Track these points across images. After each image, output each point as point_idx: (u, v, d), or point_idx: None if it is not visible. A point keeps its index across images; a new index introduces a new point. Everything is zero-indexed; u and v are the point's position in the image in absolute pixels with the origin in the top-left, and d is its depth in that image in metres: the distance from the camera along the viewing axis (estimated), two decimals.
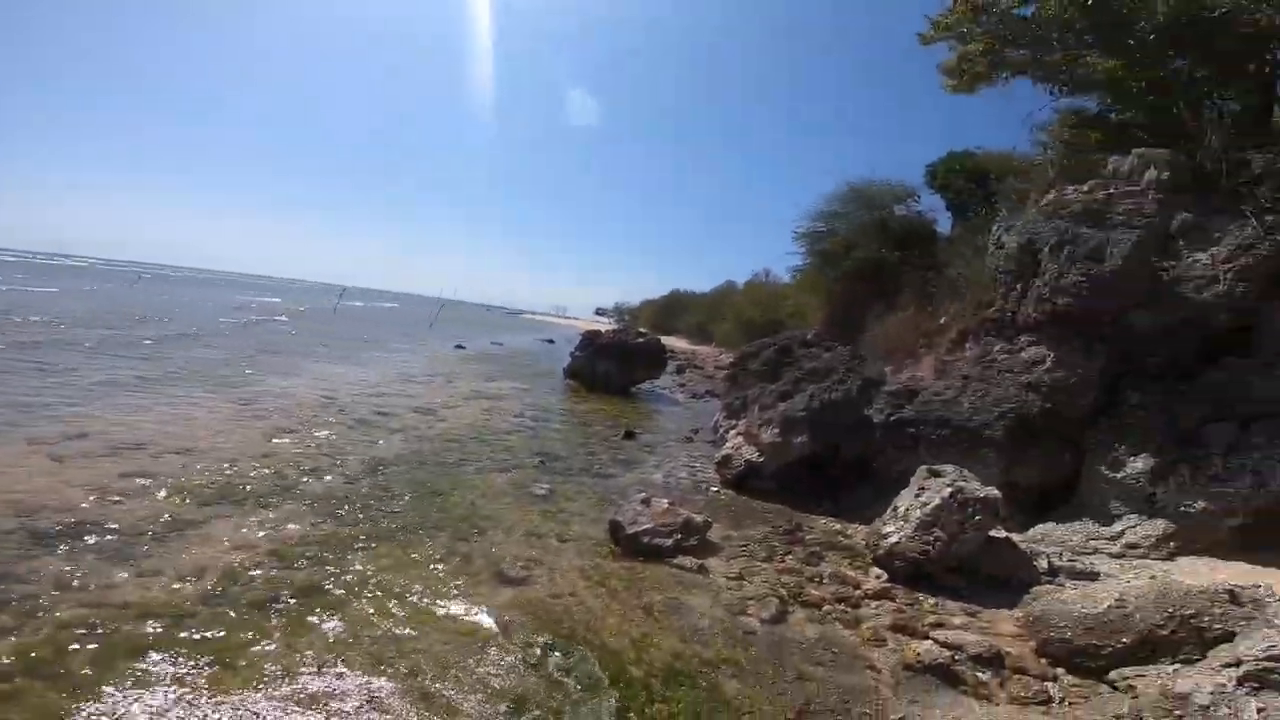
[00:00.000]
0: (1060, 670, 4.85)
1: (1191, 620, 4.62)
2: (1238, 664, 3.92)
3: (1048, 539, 7.79)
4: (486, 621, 5.00)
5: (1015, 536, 7.41)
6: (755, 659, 4.85)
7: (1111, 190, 9.09)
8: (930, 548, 6.40)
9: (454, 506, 7.52)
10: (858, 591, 6.27)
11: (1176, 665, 4.49)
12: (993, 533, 6.80)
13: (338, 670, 4.12)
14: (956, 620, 5.74)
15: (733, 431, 10.56)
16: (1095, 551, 7.50)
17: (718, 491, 9.57)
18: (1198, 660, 4.44)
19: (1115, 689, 4.53)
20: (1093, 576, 6.65)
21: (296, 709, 3.69)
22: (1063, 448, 8.47)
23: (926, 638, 5.24)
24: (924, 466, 7.14)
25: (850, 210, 20.66)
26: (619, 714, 4.02)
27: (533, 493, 8.46)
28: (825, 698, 4.38)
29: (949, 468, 7.01)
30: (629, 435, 12.70)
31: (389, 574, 5.62)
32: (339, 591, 5.18)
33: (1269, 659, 3.76)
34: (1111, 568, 7.02)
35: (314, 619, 4.72)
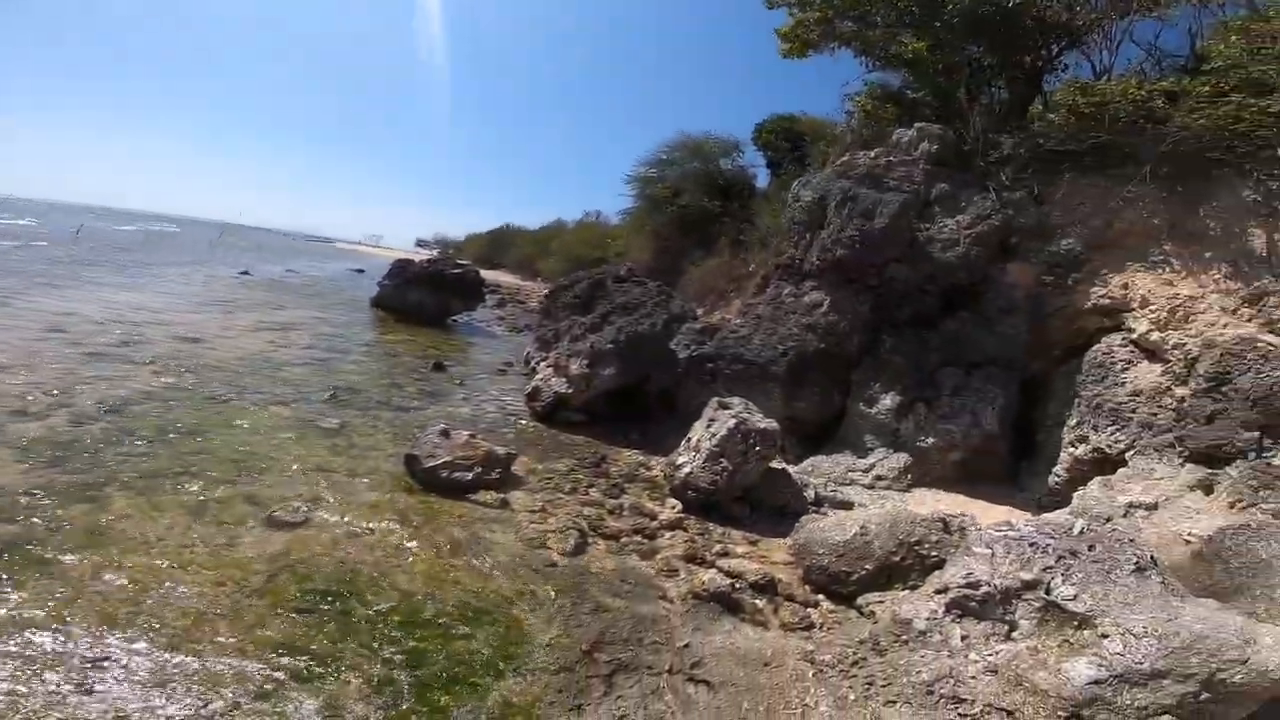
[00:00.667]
0: (821, 597, 5.53)
1: (916, 548, 5.49)
2: (945, 590, 4.35)
3: (816, 470, 8.82)
4: (252, 570, 4.48)
5: (791, 469, 8.28)
6: (555, 592, 4.92)
7: (891, 158, 10.21)
8: (719, 478, 6.92)
9: (218, 448, 6.59)
10: (654, 523, 6.62)
11: (906, 590, 5.26)
12: (773, 464, 7.54)
13: (39, 632, 3.44)
14: (740, 549, 6.33)
15: (543, 364, 10.49)
16: (852, 483, 8.65)
17: (526, 424, 9.51)
18: (919, 587, 5.17)
19: (862, 614, 5.22)
20: (848, 506, 7.69)
21: None
22: (834, 386, 9.60)
23: (713, 567, 5.72)
24: (715, 399, 7.64)
25: (681, 159, 21.39)
26: (413, 656, 3.86)
27: (320, 426, 7.70)
28: (619, 628, 4.55)
29: (736, 400, 7.57)
30: (438, 367, 12.08)
31: (125, 524, 4.79)
32: (50, 552, 4.29)
33: (968, 586, 4.26)
34: (864, 498, 8.16)
35: (17, 578, 3.89)
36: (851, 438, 9.32)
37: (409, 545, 5.26)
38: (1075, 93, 9.58)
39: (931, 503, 7.93)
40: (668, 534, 6.46)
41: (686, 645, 4.34)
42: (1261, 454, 6.33)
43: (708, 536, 6.53)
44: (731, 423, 6.99)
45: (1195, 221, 7.52)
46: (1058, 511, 7.07)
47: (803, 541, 6.03)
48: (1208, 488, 6.53)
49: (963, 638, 4.21)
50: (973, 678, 3.92)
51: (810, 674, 4.06)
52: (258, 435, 7.10)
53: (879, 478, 8.70)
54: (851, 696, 3.94)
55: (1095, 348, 7.97)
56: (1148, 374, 7.48)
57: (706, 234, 19.19)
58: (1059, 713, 3.62)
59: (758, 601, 5.22)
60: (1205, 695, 3.50)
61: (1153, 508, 6.59)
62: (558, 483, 7.31)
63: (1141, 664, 3.61)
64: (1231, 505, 6.21)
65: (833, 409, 9.61)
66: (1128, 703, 3.55)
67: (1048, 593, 4.22)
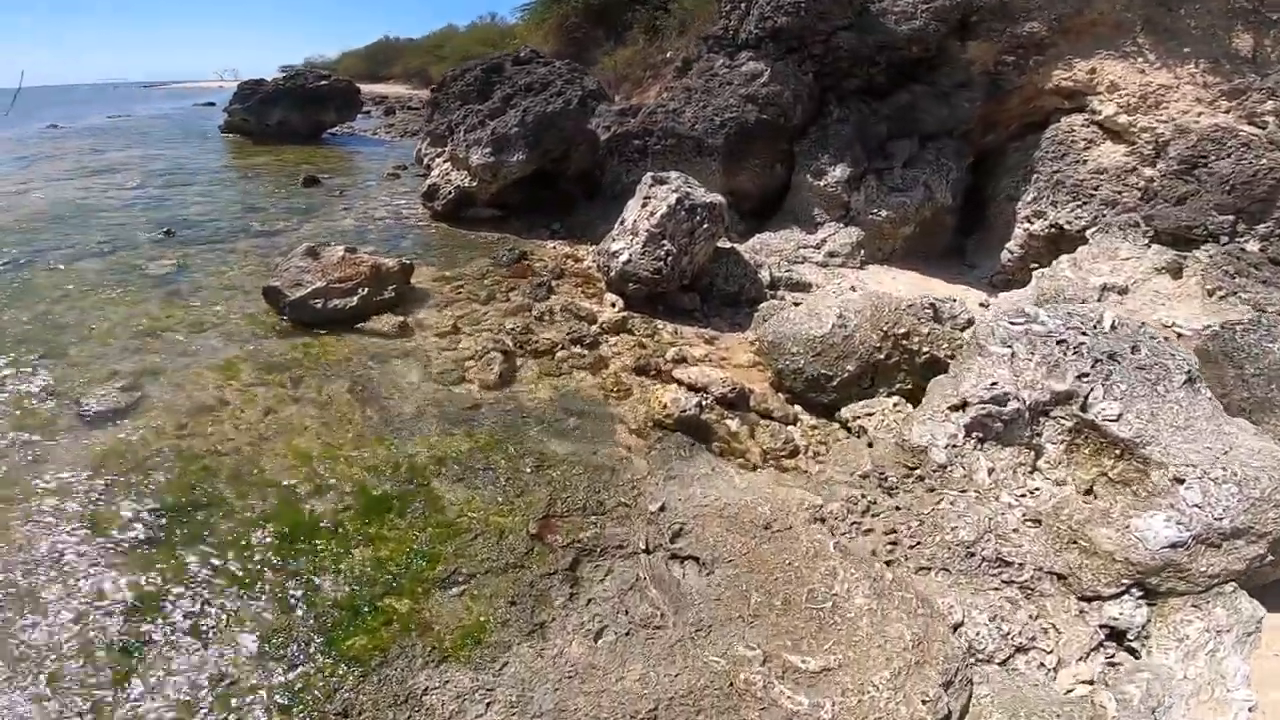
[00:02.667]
0: (799, 409, 4.67)
1: (904, 341, 4.55)
2: (964, 406, 3.54)
3: (766, 248, 7.85)
4: (67, 493, 3.22)
5: (739, 247, 7.22)
6: (483, 448, 3.80)
7: None
8: (663, 263, 5.79)
9: (8, 324, 4.93)
10: (594, 327, 5.58)
11: (895, 398, 4.39)
12: (720, 244, 6.40)
13: None
14: (697, 351, 5.42)
15: (439, 159, 8.65)
16: (804, 260, 7.75)
17: (428, 226, 8.02)
18: (905, 393, 4.33)
19: (849, 430, 4.34)
20: (805, 288, 6.81)
21: None
22: (776, 158, 8.51)
23: (672, 380, 4.76)
24: (649, 175, 6.29)
25: None
26: (307, 587, 2.79)
27: (148, 274, 6.01)
28: (573, 491, 3.45)
29: (674, 175, 6.27)
30: (310, 181, 10.04)
31: None
32: None
33: (992, 401, 3.41)
34: (819, 277, 7.31)
35: None
36: (799, 211, 8.37)
37: (283, 413, 4.02)
38: None
39: (889, 282, 7.24)
40: (611, 339, 5.46)
41: (662, 508, 3.34)
42: (1235, 238, 6.28)
43: (657, 338, 5.58)
44: (672, 198, 5.70)
45: (1175, 20, 7.07)
46: (1020, 291, 6.58)
47: (771, 338, 5.10)
48: (1176, 271, 6.11)
49: (989, 471, 3.31)
50: (1015, 531, 3.07)
51: (831, 546, 3.06)
52: (60, 303, 5.39)
53: (831, 254, 7.88)
54: (889, 576, 2.92)
55: (1056, 125, 7.60)
56: (1112, 154, 7.18)
57: (618, 23, 16.62)
58: (1122, 579, 2.86)
59: (730, 423, 4.33)
60: (1270, 559, 2.82)
61: (1124, 291, 6.04)
62: (471, 290, 6.08)
63: (1221, 521, 2.82)
64: (1210, 293, 5.82)
65: (776, 182, 8.66)
66: (1201, 569, 2.80)
67: (1084, 409, 3.25)
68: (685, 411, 4.12)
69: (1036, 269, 6.84)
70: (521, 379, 4.70)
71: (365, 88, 22.64)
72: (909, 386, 4.46)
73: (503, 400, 4.39)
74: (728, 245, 6.82)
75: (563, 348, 5.18)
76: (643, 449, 3.95)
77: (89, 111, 25.99)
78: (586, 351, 5.20)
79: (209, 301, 5.51)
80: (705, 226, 5.79)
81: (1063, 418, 3.32)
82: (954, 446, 3.44)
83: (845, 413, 4.46)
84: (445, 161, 8.36)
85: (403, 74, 52.86)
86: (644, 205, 5.94)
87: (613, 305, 5.98)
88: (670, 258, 5.70)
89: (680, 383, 4.66)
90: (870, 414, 4.30)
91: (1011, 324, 3.72)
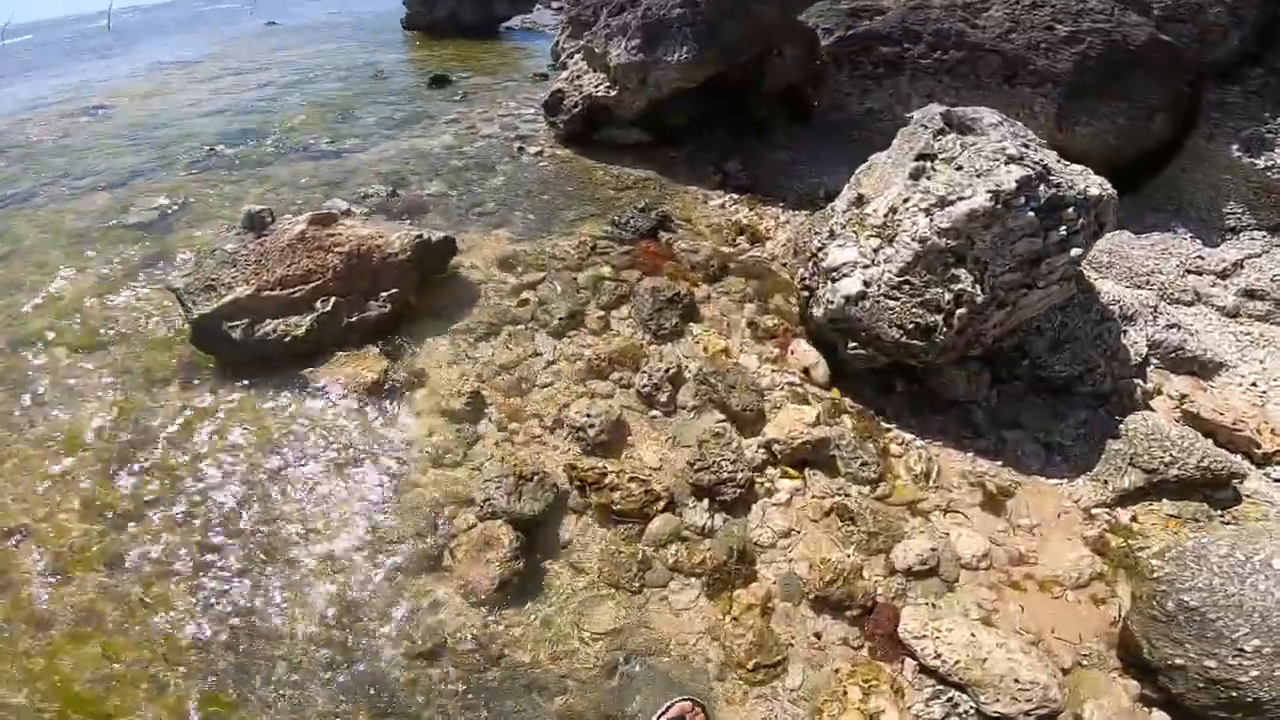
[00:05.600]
0: None
1: None
2: None
3: (1121, 265, 4.14)
4: None
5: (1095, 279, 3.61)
6: None
7: None
8: (943, 319, 2.51)
9: None
10: (752, 449, 2.83)
11: None
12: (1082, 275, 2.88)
13: None
14: (969, 547, 2.56)
15: (575, 55, 5.76)
16: (1196, 301, 3.96)
17: (542, 151, 5.34)
18: None
19: None
20: (1208, 369, 3.35)
21: None
22: (1161, 104, 4.51)
23: (902, 652, 2.12)
24: (934, 110, 2.85)
25: None
26: None
27: (125, 225, 4.19)
28: None
29: (988, 114, 2.79)
30: (438, 82, 7.93)
31: None
32: None
33: None
34: (1229, 348, 3.64)
35: None
36: (1192, 201, 4.57)
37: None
38: None
39: None
40: (781, 486, 2.61)
41: None
42: None
43: (885, 484, 2.71)
44: (1006, 179, 2.34)
45: None
46: None
47: (1186, 600, 2.02)
48: None
49: None
50: None
51: None
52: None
53: (1253, 293, 4.03)
54: None
55: None
56: None
57: None
58: None
59: None
60: None
61: None
62: (545, 296, 3.45)
63: None
64: None
65: (1149, 144, 4.70)
66: None
67: None
68: None
69: None
70: (551, 583, 2.00)
71: None
72: None
73: (498, 642, 1.97)
74: (1089, 288, 3.23)
75: (667, 506, 2.33)
76: None
77: (313, 9, 26.06)
78: (718, 519, 2.31)
79: (141, 286, 3.45)
80: (1069, 254, 2.39)
81: None
82: None
83: None
84: (580, 59, 5.45)
85: None
86: (917, 178, 2.58)
87: (805, 374, 2.91)
88: (964, 310, 2.39)
89: (927, 670, 1.97)
90: None
91: None
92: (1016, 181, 2.30)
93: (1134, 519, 2.64)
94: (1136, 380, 3.11)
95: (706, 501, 2.52)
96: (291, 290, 2.82)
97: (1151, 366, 3.35)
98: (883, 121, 4.72)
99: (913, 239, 2.44)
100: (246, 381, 2.79)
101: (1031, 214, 2.31)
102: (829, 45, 5.10)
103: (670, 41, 4.56)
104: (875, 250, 2.57)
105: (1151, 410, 3.02)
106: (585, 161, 5.20)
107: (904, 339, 2.54)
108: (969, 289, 2.36)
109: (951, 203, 2.36)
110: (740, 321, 3.24)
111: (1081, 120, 4.34)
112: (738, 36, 4.64)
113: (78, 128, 6.66)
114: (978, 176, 2.37)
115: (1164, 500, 2.70)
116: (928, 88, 4.54)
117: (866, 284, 2.57)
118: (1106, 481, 2.73)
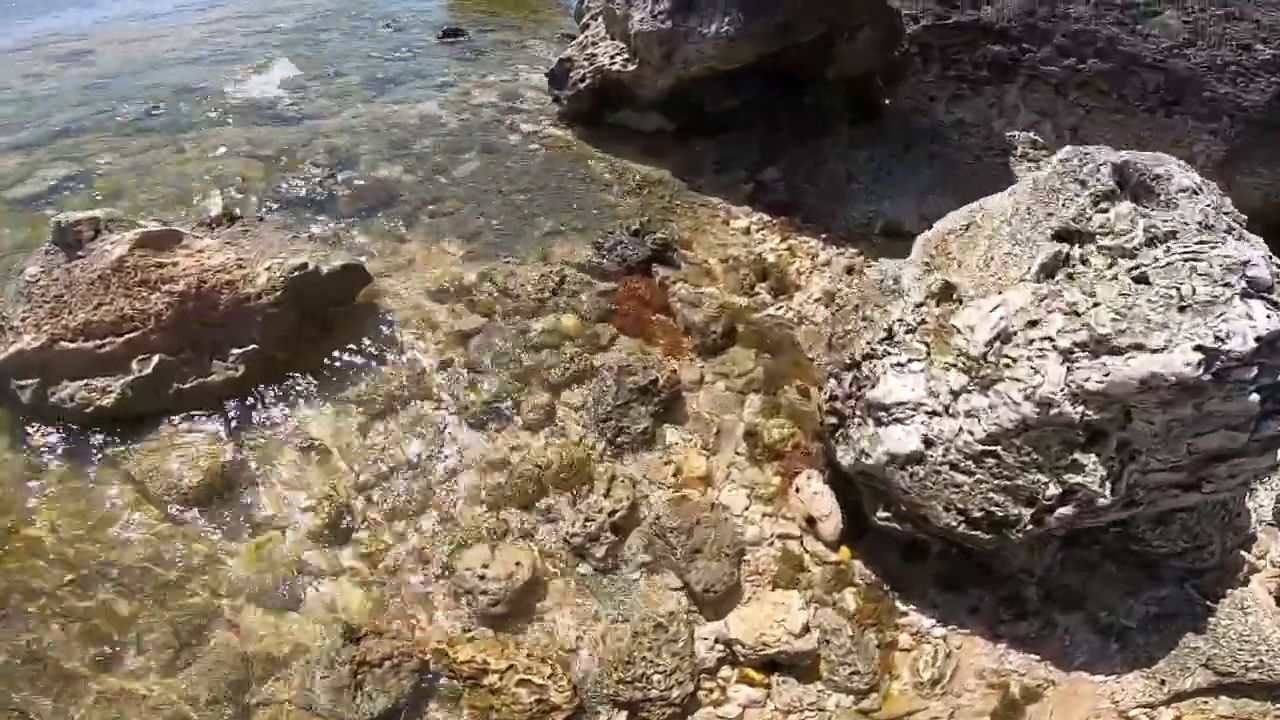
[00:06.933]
0: None
1: None
2: None
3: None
4: None
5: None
6: None
7: None
8: (1062, 525, 1.52)
9: None
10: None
11: None
12: None
13: None
14: None
15: (597, 16, 4.71)
16: None
17: (534, 134, 4.36)
18: None
19: None
20: None
21: None
22: None
23: None
24: (1104, 154, 1.75)
25: None
26: None
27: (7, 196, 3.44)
28: None
29: (1176, 168, 1.65)
30: (450, 35, 7.00)
31: None
32: None
33: None
34: None
35: None
36: None
37: None
38: None
39: None
40: (744, 693, 1.95)
41: None
42: None
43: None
44: (1247, 329, 1.37)
45: None
46: None
47: None
48: None
49: None
50: None
51: None
52: None
53: None
54: None
55: None
56: None
57: None
58: None
59: None
60: None
61: None
62: (475, 358, 2.64)
63: None
64: None
65: None
66: None
67: None
68: None
69: None
70: None
71: None
72: None
73: None
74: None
75: None
76: None
77: None
78: None
79: None
80: (1275, 457, 1.34)
81: None
82: None
83: None
84: (600, 20, 4.41)
85: None
86: (1054, 275, 1.60)
87: (809, 525, 2.15)
88: (1070, 510, 1.47)
89: None
90: None
91: None
92: (1258, 339, 1.33)
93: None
94: (1243, 551, 2.15)
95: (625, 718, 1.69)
96: (98, 343, 2.01)
97: (1260, 527, 2.38)
98: (973, 138, 3.62)
99: (1026, 395, 1.46)
100: (41, 447, 2.01)
101: (1255, 397, 1.32)
102: (916, 32, 3.95)
103: (708, 8, 3.50)
104: (956, 394, 1.61)
105: (1248, 586, 2.16)
106: (586, 149, 4.25)
107: (964, 529, 1.60)
108: (1092, 486, 1.40)
109: (1120, 351, 1.38)
110: (736, 428, 2.33)
111: (1255, 170, 3.17)
112: (796, 9, 3.55)
113: (50, 74, 5.95)
114: (1180, 311, 1.37)
115: (1222, 697, 2.03)
116: (1043, 103, 3.45)
117: (929, 442, 1.64)
118: (1164, 682, 1.96)
